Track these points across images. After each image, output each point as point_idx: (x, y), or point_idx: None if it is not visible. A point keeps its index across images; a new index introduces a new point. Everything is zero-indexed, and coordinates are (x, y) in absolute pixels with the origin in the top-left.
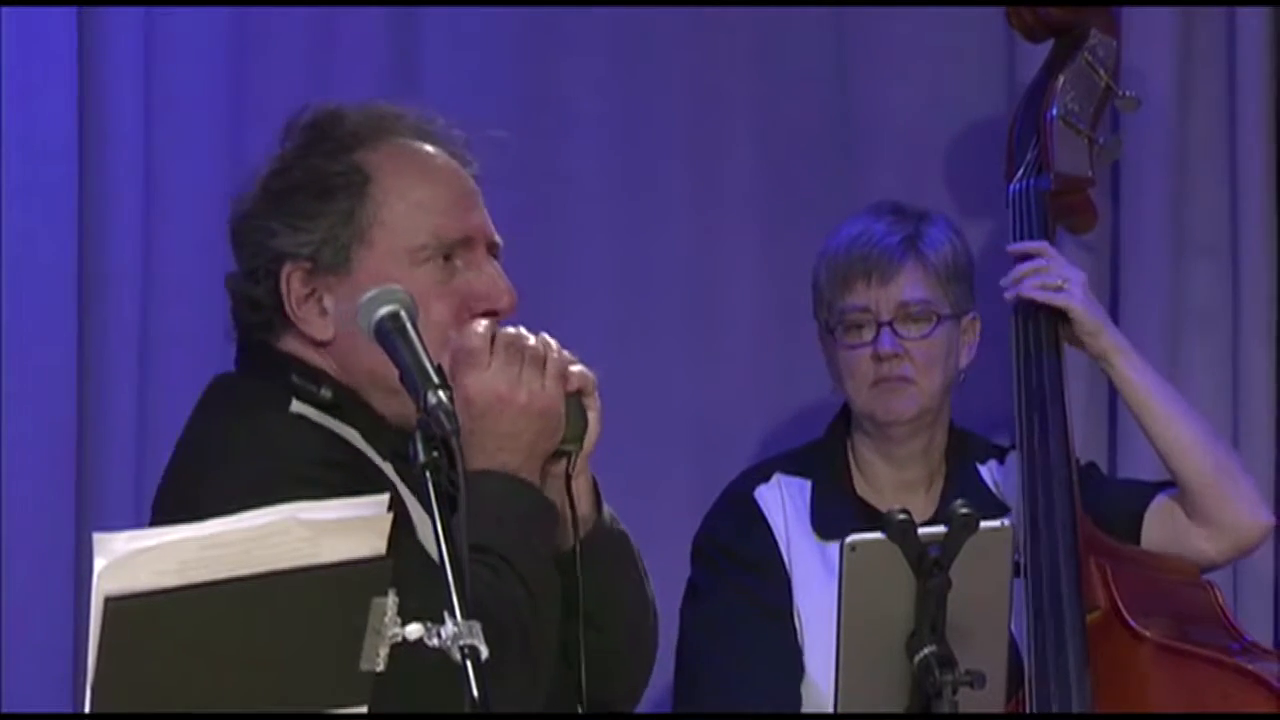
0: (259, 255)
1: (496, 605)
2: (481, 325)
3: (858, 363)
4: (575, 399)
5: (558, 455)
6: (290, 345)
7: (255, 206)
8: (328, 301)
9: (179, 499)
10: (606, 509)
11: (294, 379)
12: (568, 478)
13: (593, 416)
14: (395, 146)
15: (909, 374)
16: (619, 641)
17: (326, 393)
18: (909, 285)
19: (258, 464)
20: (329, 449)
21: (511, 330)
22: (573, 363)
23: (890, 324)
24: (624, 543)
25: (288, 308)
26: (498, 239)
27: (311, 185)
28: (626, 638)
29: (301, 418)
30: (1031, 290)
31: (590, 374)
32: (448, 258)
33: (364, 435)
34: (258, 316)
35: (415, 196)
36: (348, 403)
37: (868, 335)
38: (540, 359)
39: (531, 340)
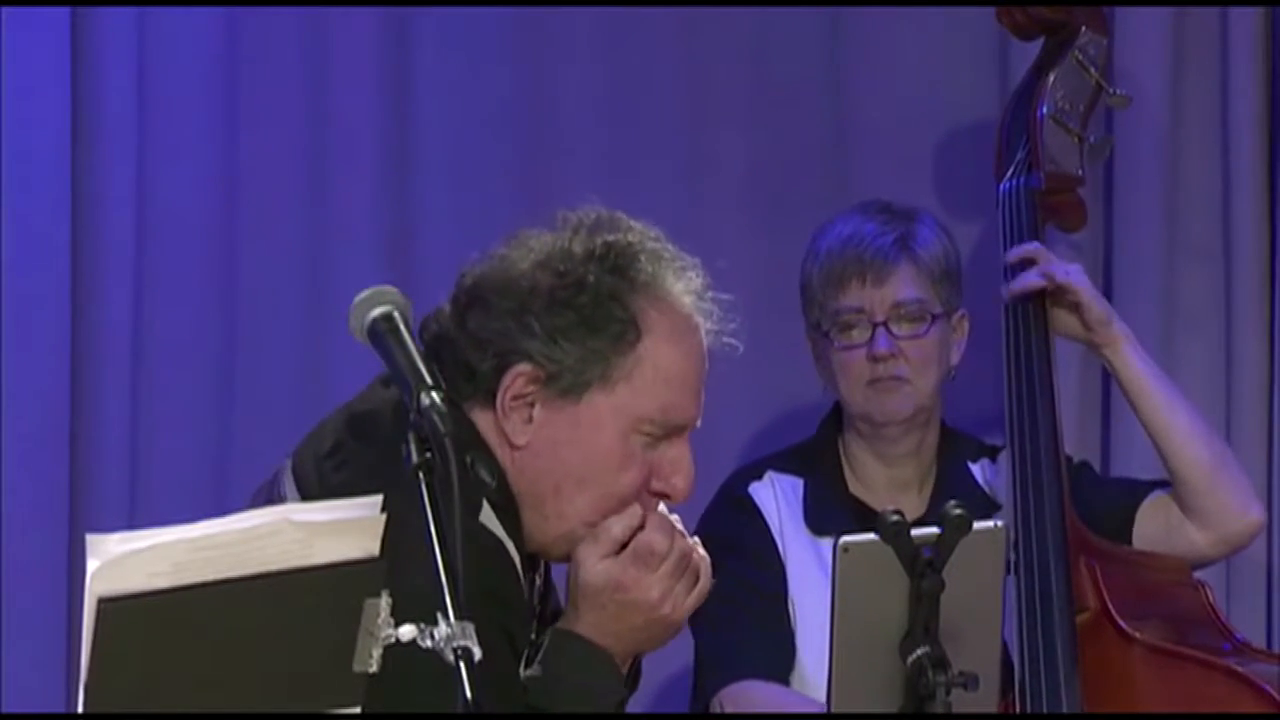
0: (503, 338)
1: None
2: (670, 527)
3: (852, 363)
4: None
5: None
6: (475, 415)
7: (521, 286)
8: (538, 413)
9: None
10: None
11: (480, 470)
12: (633, 666)
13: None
14: (672, 313)
15: (904, 373)
16: None
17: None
18: (903, 285)
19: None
20: (500, 557)
21: (688, 542)
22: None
23: (885, 324)
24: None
25: (500, 398)
26: (699, 424)
27: (588, 312)
28: None
29: (489, 532)
30: (1034, 277)
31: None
32: (661, 436)
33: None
34: (467, 385)
35: (669, 371)
36: (509, 510)
37: (861, 336)
38: (695, 580)
39: (698, 554)
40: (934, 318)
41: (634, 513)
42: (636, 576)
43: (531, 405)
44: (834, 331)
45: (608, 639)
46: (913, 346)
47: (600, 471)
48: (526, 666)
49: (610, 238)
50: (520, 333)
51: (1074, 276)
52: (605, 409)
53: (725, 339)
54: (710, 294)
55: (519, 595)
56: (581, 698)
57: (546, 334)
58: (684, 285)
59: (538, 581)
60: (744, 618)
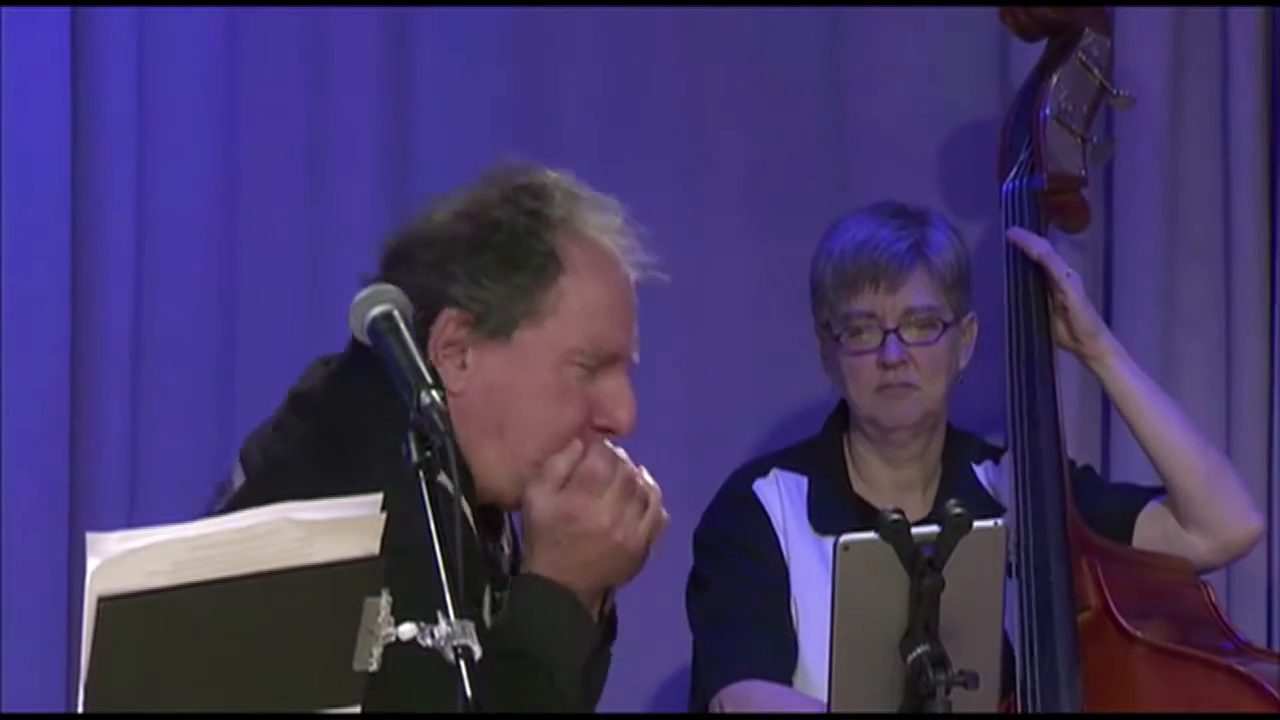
0: (426, 284)
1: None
2: (610, 453)
3: (862, 368)
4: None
5: None
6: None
7: (443, 236)
8: (471, 357)
9: (314, 461)
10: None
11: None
12: (602, 605)
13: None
14: (593, 244)
15: (913, 380)
16: None
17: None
18: (916, 292)
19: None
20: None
21: (632, 467)
22: (660, 500)
23: (896, 331)
24: (609, 656)
25: (431, 347)
26: (636, 358)
27: (508, 251)
28: None
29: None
30: (1040, 246)
31: (666, 520)
32: (594, 367)
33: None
34: None
35: (594, 301)
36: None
37: (872, 341)
38: (645, 504)
39: (645, 481)
40: (945, 325)
41: (575, 447)
42: (584, 504)
43: (464, 351)
44: (844, 335)
45: (567, 575)
46: (923, 354)
47: (539, 408)
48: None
49: (523, 180)
50: (444, 281)
51: (1071, 282)
52: (536, 344)
53: (652, 273)
54: (630, 229)
55: (467, 541)
56: (546, 637)
57: (469, 277)
58: (602, 220)
59: (506, 549)
60: (745, 616)
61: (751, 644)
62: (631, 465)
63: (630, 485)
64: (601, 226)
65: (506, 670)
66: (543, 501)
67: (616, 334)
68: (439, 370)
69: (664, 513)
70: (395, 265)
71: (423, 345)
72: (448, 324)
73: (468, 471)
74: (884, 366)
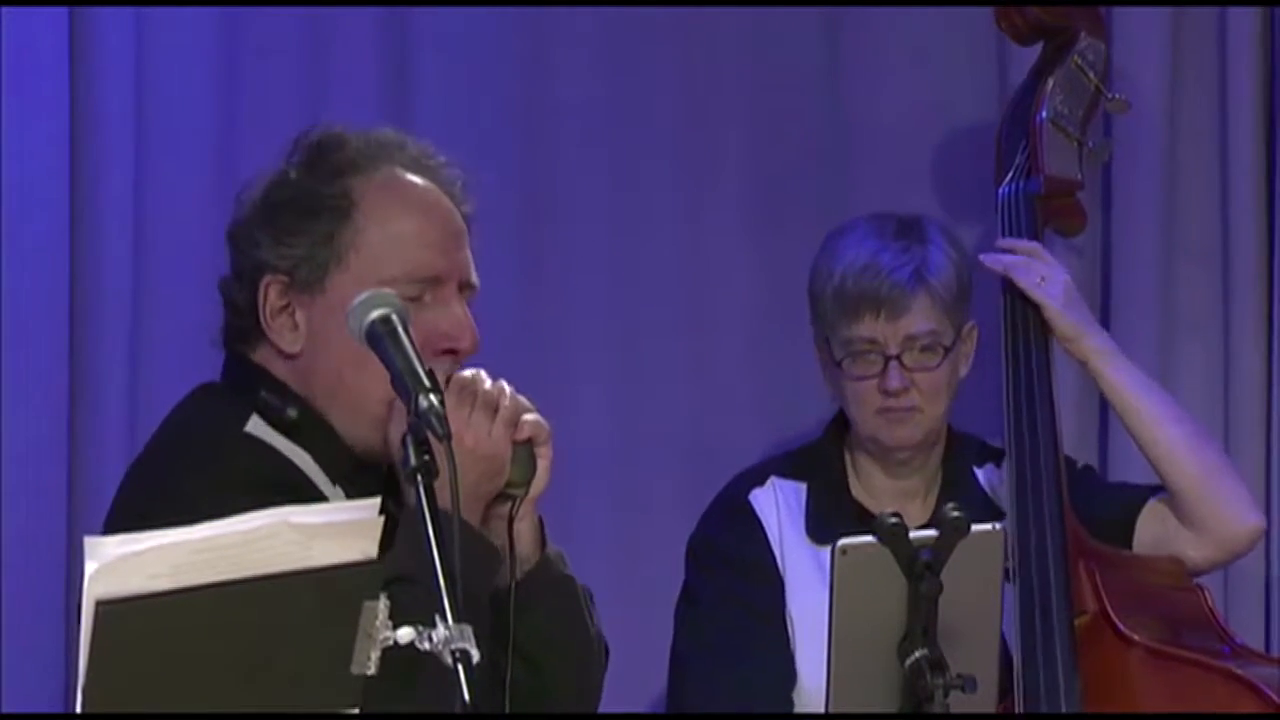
0: (244, 262)
1: None
2: (440, 371)
3: (863, 392)
4: (527, 446)
5: (503, 498)
6: (263, 356)
7: (249, 214)
8: (299, 316)
9: (129, 503)
10: (552, 550)
11: (262, 394)
12: (510, 520)
13: (543, 465)
14: (386, 176)
15: (915, 404)
16: (558, 681)
17: (292, 412)
18: (918, 319)
19: (199, 480)
20: (276, 471)
21: (468, 374)
22: (528, 410)
23: (898, 357)
24: (569, 585)
25: (261, 317)
26: (474, 280)
27: (301, 203)
28: (567, 678)
29: (253, 438)
30: (999, 259)
31: (544, 424)
32: (417, 294)
33: (317, 460)
34: (238, 321)
35: (395, 228)
36: (309, 423)
37: (874, 367)
38: (493, 405)
39: (486, 385)
40: (946, 350)
41: None
42: None
43: (293, 313)
44: (845, 360)
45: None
46: (925, 378)
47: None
48: None
49: (314, 136)
50: (255, 250)
51: (1046, 288)
52: (349, 285)
53: (466, 199)
54: (436, 156)
55: (276, 496)
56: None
57: (273, 239)
58: (397, 153)
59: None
60: (725, 639)
61: (741, 673)
62: (469, 373)
63: (467, 391)
64: (396, 159)
65: (398, 598)
66: (396, 434)
67: (428, 256)
68: (275, 340)
69: (531, 415)
70: (229, 259)
71: (257, 322)
72: (268, 290)
73: (327, 430)
74: (885, 393)
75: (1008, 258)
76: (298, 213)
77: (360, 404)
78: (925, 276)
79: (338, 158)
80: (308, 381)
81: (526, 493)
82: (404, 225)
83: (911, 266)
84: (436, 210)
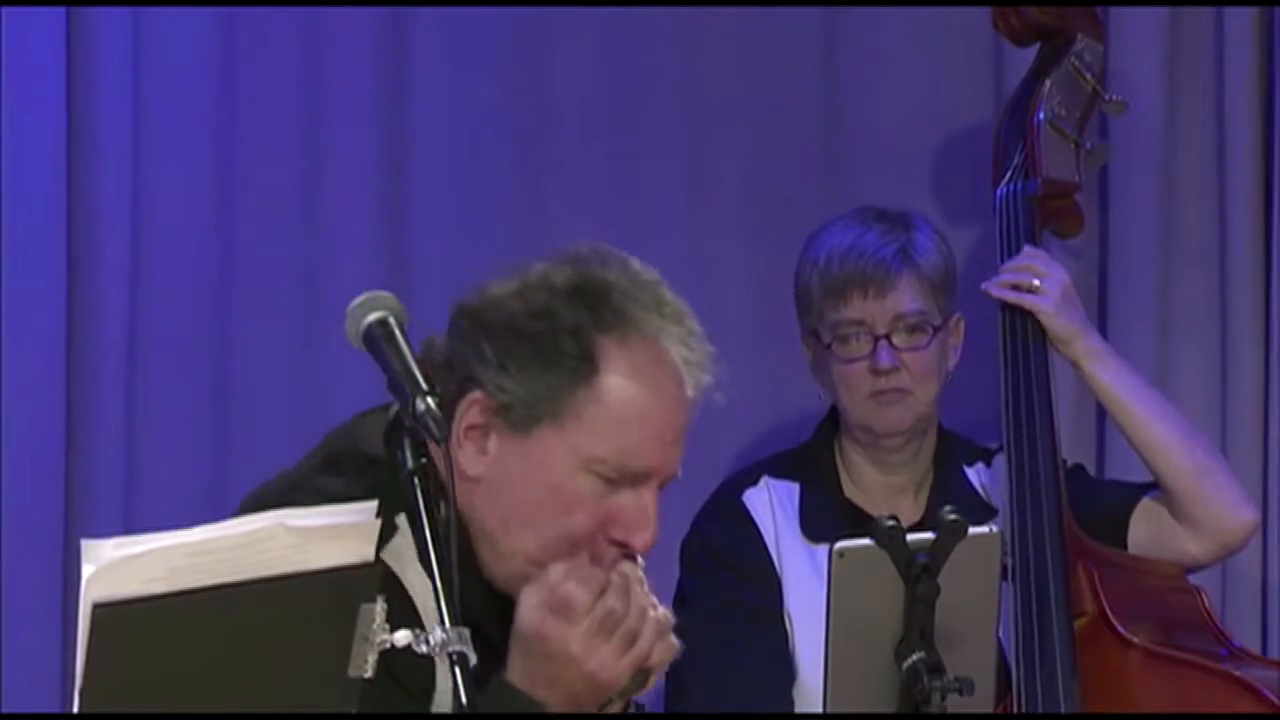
0: (461, 357)
1: None
2: (596, 582)
3: (854, 376)
4: (645, 671)
5: None
6: (435, 450)
7: (489, 316)
8: (492, 444)
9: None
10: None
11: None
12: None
13: (653, 679)
14: (639, 353)
15: (905, 385)
16: None
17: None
18: (905, 297)
19: None
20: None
21: (617, 606)
22: (664, 631)
23: (887, 337)
24: None
25: (454, 426)
26: (678, 472)
27: (543, 345)
28: None
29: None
30: (1001, 291)
31: (675, 647)
32: (617, 477)
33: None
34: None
35: (624, 413)
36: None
37: (863, 348)
38: (630, 639)
39: (630, 622)
40: (934, 330)
41: (576, 567)
42: (556, 627)
43: (486, 436)
44: (834, 344)
45: (539, 689)
46: (914, 359)
47: (545, 510)
48: None
49: (588, 270)
50: (476, 360)
51: (1039, 297)
52: (555, 445)
53: (714, 394)
54: (698, 343)
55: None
56: None
57: (499, 363)
58: (660, 327)
59: None
60: (731, 643)
61: (741, 674)
62: (621, 600)
63: (610, 620)
64: (656, 334)
65: None
66: (526, 608)
67: (647, 450)
68: (459, 452)
69: (668, 643)
70: (449, 332)
71: (449, 421)
72: (472, 406)
73: (470, 552)
74: (876, 373)
75: (1012, 294)
76: (536, 353)
77: (513, 556)
78: (911, 255)
79: (601, 309)
80: (472, 507)
81: (623, 702)
82: (636, 411)
83: (896, 245)
84: (670, 402)
